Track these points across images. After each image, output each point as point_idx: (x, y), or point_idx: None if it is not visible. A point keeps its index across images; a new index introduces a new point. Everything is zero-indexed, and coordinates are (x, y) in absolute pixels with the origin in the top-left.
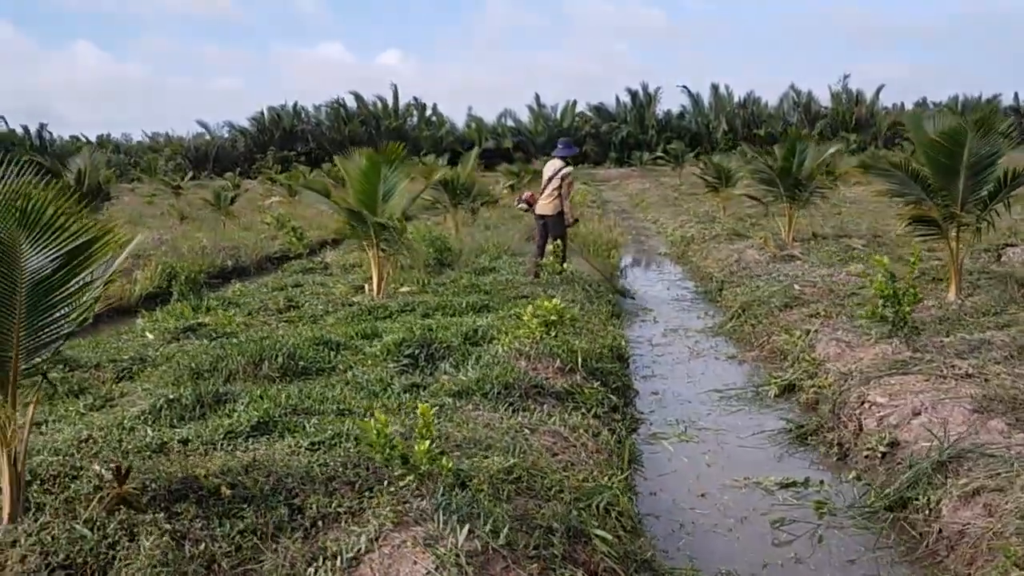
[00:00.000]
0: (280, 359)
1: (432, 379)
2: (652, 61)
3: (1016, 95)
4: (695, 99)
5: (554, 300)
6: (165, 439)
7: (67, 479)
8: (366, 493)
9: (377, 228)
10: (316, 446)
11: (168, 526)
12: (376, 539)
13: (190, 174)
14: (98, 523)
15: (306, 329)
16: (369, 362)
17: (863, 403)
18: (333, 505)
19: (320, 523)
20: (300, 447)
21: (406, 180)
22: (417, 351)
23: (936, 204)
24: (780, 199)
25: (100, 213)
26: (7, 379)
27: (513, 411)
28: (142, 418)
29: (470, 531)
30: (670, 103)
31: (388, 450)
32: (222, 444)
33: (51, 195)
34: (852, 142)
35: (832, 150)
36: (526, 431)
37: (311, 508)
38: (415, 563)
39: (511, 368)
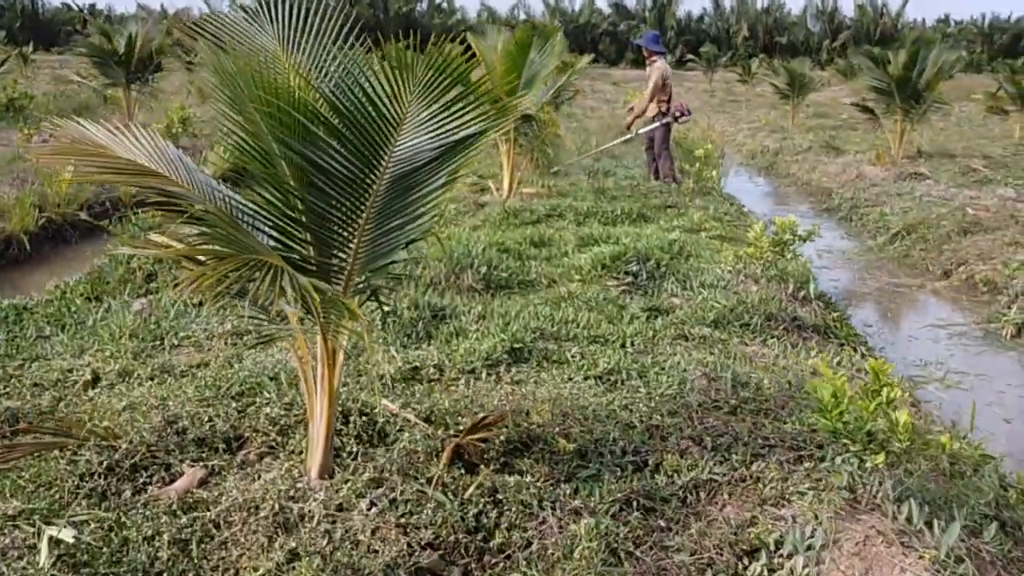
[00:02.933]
0: (483, 269)
1: (662, 301)
2: None
3: None
4: (716, 2)
5: (790, 216)
6: (414, 363)
7: (361, 417)
8: (727, 454)
9: (518, 119)
10: (596, 382)
11: (533, 492)
12: (827, 531)
13: None
14: (451, 486)
15: (457, 232)
16: (577, 277)
17: None
18: (705, 472)
19: (700, 494)
20: (577, 383)
21: (554, 64)
22: (637, 267)
23: None
24: (893, 111)
25: (148, 86)
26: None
27: (784, 348)
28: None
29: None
30: (690, 5)
31: (846, 419)
32: (483, 373)
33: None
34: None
35: (954, 56)
36: None
37: (678, 474)
38: (902, 570)
39: (770, 296)
